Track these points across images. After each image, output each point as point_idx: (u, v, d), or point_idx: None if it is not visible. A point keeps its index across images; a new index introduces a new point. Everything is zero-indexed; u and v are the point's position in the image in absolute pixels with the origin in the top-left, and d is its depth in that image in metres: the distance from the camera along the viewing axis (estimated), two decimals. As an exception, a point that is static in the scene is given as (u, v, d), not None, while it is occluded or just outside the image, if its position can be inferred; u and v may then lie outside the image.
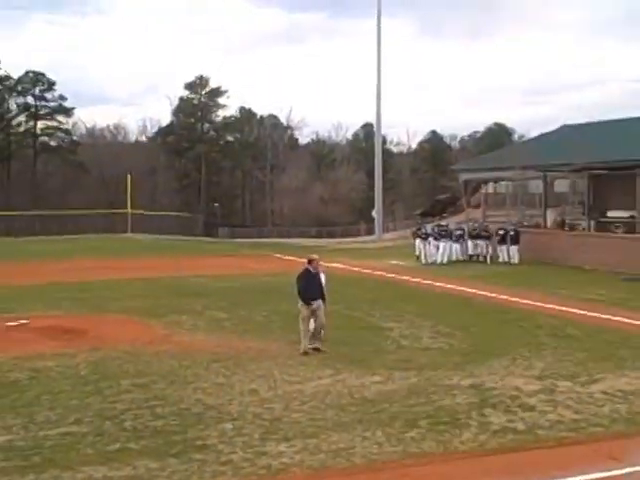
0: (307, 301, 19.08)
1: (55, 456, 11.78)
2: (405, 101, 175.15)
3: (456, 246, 43.29)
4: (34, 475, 11.01)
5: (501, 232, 42.57)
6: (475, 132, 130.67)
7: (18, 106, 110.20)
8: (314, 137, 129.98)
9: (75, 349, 19.55)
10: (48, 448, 12.14)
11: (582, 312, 25.01)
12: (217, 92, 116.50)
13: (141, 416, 13.80)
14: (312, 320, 19.20)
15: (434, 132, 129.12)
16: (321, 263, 20.34)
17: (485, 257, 42.82)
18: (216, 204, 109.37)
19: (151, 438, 12.59)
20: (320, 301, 19.26)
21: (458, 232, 44.08)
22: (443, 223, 48.68)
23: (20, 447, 12.21)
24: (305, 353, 18.64)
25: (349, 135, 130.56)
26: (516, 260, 41.06)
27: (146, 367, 17.65)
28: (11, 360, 18.38)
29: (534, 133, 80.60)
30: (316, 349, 18.85)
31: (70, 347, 19.89)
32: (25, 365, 17.83)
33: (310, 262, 19.70)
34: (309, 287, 19.25)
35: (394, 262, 43.57)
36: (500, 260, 41.93)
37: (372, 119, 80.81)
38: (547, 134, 57.41)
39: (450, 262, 41.89)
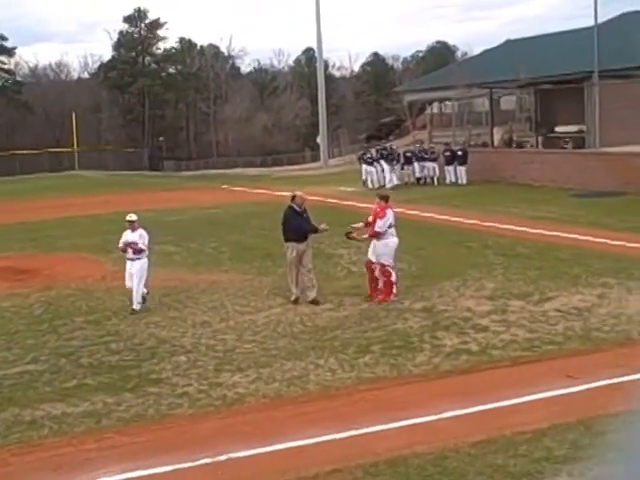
0: (290, 242, 16.99)
1: (14, 395, 11.90)
2: (345, 24, 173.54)
3: (403, 169, 43.23)
4: (-6, 414, 11.08)
5: (448, 153, 42.49)
6: (417, 52, 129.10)
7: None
8: (256, 65, 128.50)
9: (28, 289, 19.56)
10: (7, 387, 12.27)
11: (532, 230, 25.01)
12: (156, 24, 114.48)
13: (96, 352, 13.91)
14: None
15: (376, 54, 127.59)
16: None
17: (432, 179, 42.81)
18: (161, 138, 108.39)
19: (107, 374, 12.71)
20: (306, 243, 16.98)
21: (407, 154, 43.91)
22: (388, 146, 48.41)
23: (-21, 387, 12.27)
24: (295, 301, 16.79)
25: (291, 61, 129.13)
26: (464, 180, 41.02)
27: (98, 304, 17.69)
28: (-35, 303, 18.32)
29: (477, 50, 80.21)
30: (314, 302, 16.55)
31: (23, 287, 19.85)
32: (-21, 307, 17.79)
33: (293, 199, 17.36)
34: (292, 227, 17.05)
35: (340, 188, 43.32)
36: (448, 181, 41.83)
37: (313, 44, 80.00)
38: (491, 50, 57.13)
39: (397, 186, 41.71)
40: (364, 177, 43.75)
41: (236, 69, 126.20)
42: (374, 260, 16.68)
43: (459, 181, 41.32)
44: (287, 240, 17.12)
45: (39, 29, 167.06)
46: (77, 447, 9.93)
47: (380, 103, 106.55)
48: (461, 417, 10.30)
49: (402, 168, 43.17)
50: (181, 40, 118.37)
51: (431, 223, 28.18)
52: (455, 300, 16.35)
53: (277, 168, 77.72)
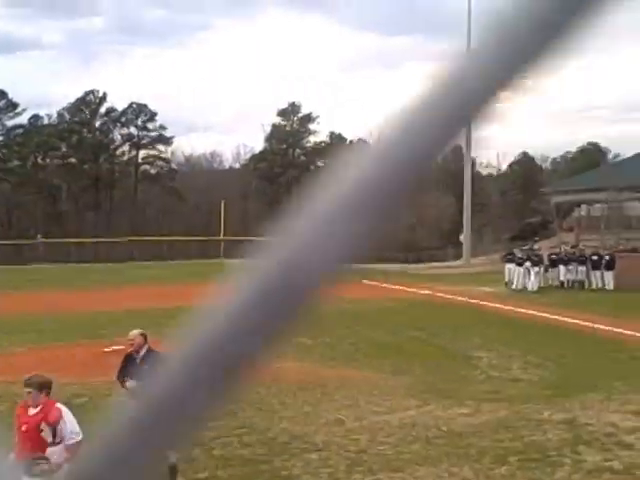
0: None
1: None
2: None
3: (548, 272, 42.42)
4: None
5: (595, 257, 41.52)
6: (567, 152, 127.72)
7: (122, 136, 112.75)
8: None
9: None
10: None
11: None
12: (308, 118, 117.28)
13: (230, 444, 13.83)
14: None
15: (525, 153, 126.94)
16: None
17: (581, 283, 41.74)
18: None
19: (239, 467, 12.63)
20: None
21: (552, 257, 43.16)
22: (535, 247, 47.62)
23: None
24: None
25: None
26: (611, 286, 39.95)
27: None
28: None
29: (630, 153, 78.51)
30: None
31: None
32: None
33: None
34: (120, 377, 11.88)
35: (482, 288, 42.71)
36: (594, 286, 40.86)
37: (461, 142, 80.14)
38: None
39: (540, 289, 40.95)
40: (507, 278, 43.11)
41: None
42: None
43: (606, 286, 40.23)
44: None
45: (196, 120, 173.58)
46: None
47: (526, 203, 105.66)
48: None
49: (546, 270, 42.40)
50: (331, 134, 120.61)
51: (575, 330, 27.35)
52: (598, 414, 15.59)
53: (417, 265, 77.48)
